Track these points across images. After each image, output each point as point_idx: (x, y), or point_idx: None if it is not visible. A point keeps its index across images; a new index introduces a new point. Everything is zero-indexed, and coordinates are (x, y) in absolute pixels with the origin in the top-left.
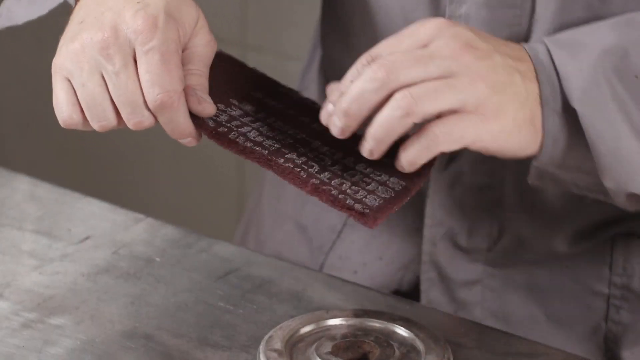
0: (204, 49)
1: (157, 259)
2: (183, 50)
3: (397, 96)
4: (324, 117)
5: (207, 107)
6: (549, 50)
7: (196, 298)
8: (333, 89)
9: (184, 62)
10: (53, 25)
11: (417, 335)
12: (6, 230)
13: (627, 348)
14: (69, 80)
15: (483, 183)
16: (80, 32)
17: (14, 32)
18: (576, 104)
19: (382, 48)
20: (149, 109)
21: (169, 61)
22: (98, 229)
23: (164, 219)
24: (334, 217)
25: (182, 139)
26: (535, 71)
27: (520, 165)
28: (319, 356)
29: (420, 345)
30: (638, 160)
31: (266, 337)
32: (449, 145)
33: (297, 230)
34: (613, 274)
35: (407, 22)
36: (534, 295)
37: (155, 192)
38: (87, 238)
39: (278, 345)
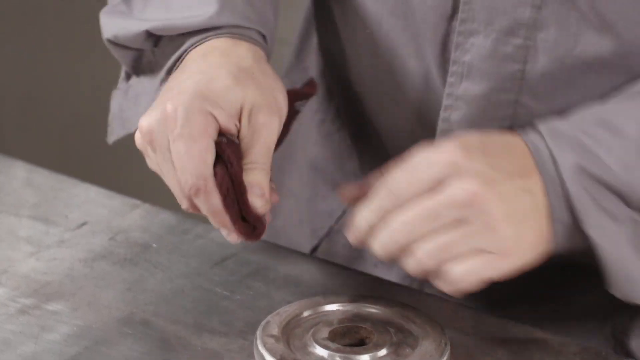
0: (259, 134)
1: (154, 245)
2: (240, 139)
3: (420, 255)
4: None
5: (262, 206)
6: (554, 163)
7: (193, 284)
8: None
9: (244, 154)
10: (50, 9)
11: (413, 321)
12: (3, 217)
13: (636, 337)
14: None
15: None
16: (144, 116)
17: (10, 21)
18: (585, 226)
19: (396, 182)
20: (179, 194)
21: (193, 147)
22: (95, 215)
23: (160, 205)
24: (331, 202)
25: (220, 226)
26: (543, 181)
27: None
28: (316, 342)
29: (417, 330)
30: None
31: (263, 322)
32: (471, 284)
33: (296, 209)
34: None
35: (414, 60)
36: (542, 303)
37: (152, 178)
38: (84, 224)
39: (275, 331)
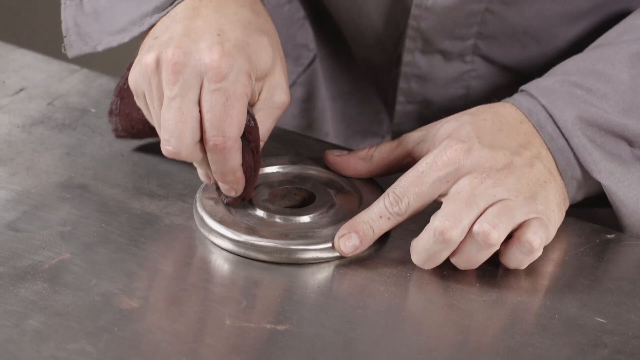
0: (274, 113)
1: (93, 110)
2: (252, 105)
3: (477, 232)
4: (348, 249)
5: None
6: (553, 120)
7: (132, 148)
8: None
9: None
10: None
11: (354, 183)
12: None
13: None
14: (144, 96)
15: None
16: (152, 48)
17: None
18: (595, 174)
19: (405, 185)
20: (190, 142)
21: (232, 106)
22: (32, 80)
23: (99, 70)
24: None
25: (225, 183)
26: (546, 143)
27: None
28: (256, 204)
29: (357, 191)
30: None
31: (202, 185)
32: (541, 245)
33: None
34: None
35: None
36: None
37: None
38: (21, 90)
39: (214, 193)
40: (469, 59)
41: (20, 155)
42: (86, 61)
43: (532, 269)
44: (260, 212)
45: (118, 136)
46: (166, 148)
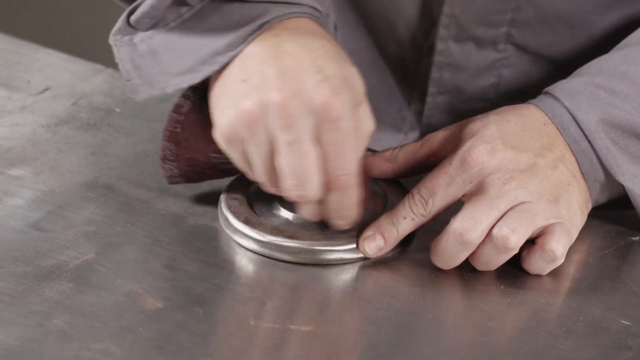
0: (362, 139)
1: (117, 110)
2: None
3: (495, 236)
4: (373, 250)
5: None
6: (577, 122)
7: (156, 148)
8: (383, 227)
9: None
10: None
11: (378, 182)
12: None
13: None
14: (241, 144)
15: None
16: (248, 93)
17: None
18: (619, 177)
19: (430, 186)
20: (318, 184)
21: (350, 142)
22: (57, 80)
23: None
24: None
25: (341, 219)
26: (569, 145)
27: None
28: (281, 204)
29: (381, 192)
30: None
31: (227, 185)
32: (564, 253)
33: None
34: None
35: None
36: None
37: None
38: (46, 89)
39: (239, 193)
40: (501, 47)
41: (45, 155)
42: (111, 61)
43: (556, 271)
44: (284, 213)
45: (172, 182)
46: (293, 194)
